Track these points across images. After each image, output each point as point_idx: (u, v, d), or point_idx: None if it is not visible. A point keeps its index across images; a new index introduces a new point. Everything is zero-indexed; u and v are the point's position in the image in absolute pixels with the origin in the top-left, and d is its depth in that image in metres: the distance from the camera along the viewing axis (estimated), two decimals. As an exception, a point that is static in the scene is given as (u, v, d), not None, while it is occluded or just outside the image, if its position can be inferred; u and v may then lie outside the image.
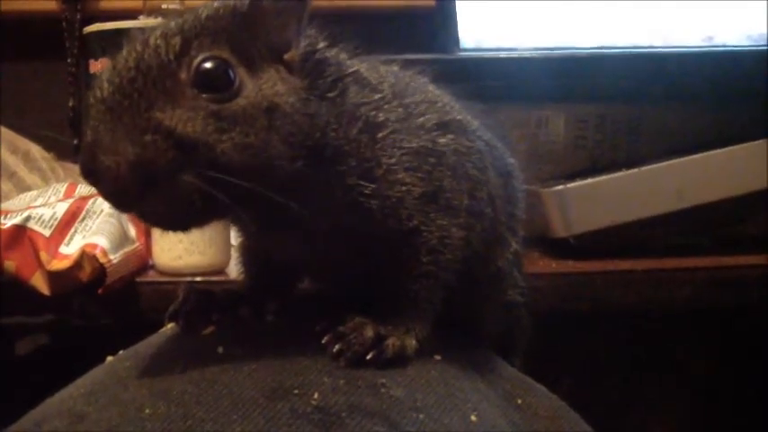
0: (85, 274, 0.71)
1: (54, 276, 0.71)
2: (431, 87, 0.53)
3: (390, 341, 0.45)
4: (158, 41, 0.41)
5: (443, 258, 0.47)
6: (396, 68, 0.52)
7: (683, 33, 1.04)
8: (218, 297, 0.50)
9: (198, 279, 0.76)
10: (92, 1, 1.16)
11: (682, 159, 0.81)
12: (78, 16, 1.13)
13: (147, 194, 0.40)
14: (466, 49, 1.04)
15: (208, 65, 0.41)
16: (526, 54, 0.92)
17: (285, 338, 0.46)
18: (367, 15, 1.19)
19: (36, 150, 1.00)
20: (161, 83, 0.40)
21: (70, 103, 1.13)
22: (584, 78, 0.87)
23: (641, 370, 0.90)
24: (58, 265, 0.71)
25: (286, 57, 0.44)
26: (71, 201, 0.77)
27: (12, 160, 0.95)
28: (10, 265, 0.72)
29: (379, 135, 0.46)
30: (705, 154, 0.81)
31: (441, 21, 1.06)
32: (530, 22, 1.05)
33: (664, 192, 0.81)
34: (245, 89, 0.42)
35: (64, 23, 1.13)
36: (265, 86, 0.42)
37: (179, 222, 0.43)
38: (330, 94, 0.45)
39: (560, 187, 0.81)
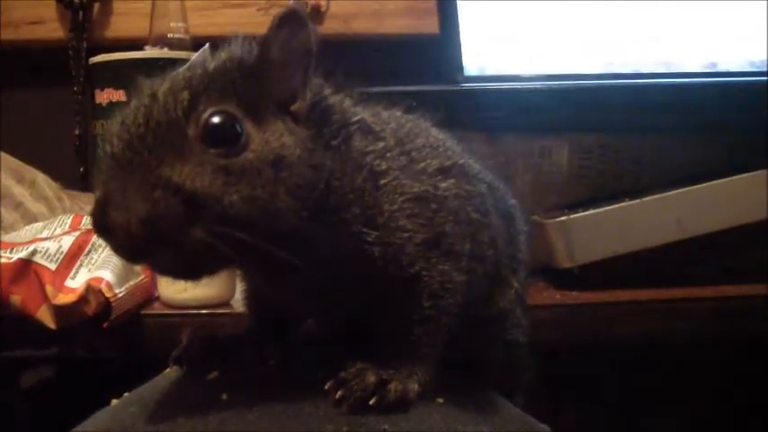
0: (91, 308, 0.72)
1: (60, 310, 0.72)
2: (433, 132, 0.53)
3: (392, 386, 0.46)
4: (167, 96, 0.42)
5: (445, 303, 0.48)
6: (398, 113, 0.53)
7: (685, 59, 1.05)
8: (222, 341, 0.51)
9: (203, 311, 0.76)
10: (98, 30, 1.17)
11: (684, 190, 0.81)
12: (84, 45, 1.14)
13: (157, 249, 0.40)
14: (470, 77, 1.05)
15: (215, 120, 0.42)
16: (529, 85, 0.93)
17: (288, 384, 0.47)
18: (372, 43, 1.20)
19: (42, 179, 1.01)
20: (170, 139, 0.41)
21: (76, 132, 1.14)
22: (587, 108, 0.87)
23: (646, 401, 0.90)
24: (63, 299, 0.72)
25: (293, 108, 0.45)
26: (77, 234, 0.77)
27: (18, 190, 0.95)
28: (15, 299, 0.73)
29: (382, 182, 0.46)
30: (706, 184, 0.81)
31: (445, 48, 1.07)
32: (533, 48, 1.06)
33: (666, 222, 0.81)
34: (252, 142, 0.42)
35: (70, 52, 1.14)
36: (272, 139, 0.43)
37: (188, 273, 0.43)
38: (335, 143, 0.45)
39: (564, 218, 0.81)
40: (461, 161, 0.52)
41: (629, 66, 1.05)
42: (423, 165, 0.49)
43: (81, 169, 1.14)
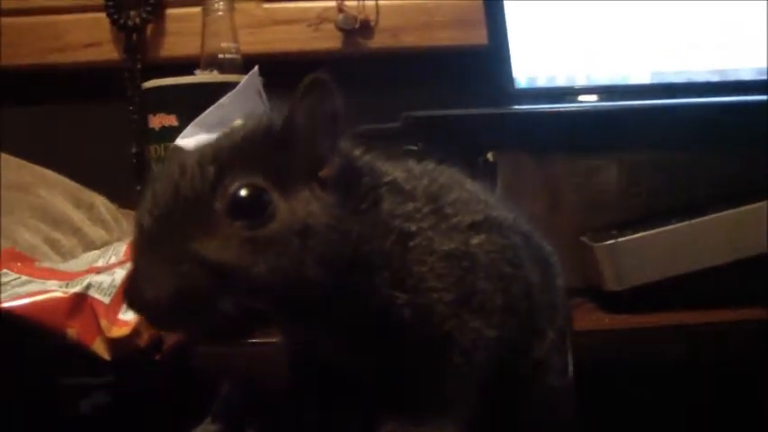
0: (143, 340, 0.74)
1: (114, 343, 0.74)
2: (467, 185, 0.53)
3: (425, 445, 0.46)
4: (194, 170, 0.43)
5: (477, 359, 0.48)
6: (431, 166, 0.53)
7: (739, 64, 1.03)
8: (260, 392, 0.52)
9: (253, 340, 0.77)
10: (151, 50, 1.19)
11: (736, 210, 0.80)
12: (139, 66, 1.17)
13: (187, 321, 0.41)
14: (520, 90, 1.05)
15: (242, 194, 0.43)
16: (575, 107, 0.92)
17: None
18: (422, 55, 1.20)
19: (100, 202, 1.04)
20: (197, 214, 0.42)
21: (133, 150, 1.17)
22: (636, 126, 0.86)
23: (698, 427, 0.88)
24: (117, 332, 0.74)
25: (320, 174, 0.45)
26: (129, 265, 0.79)
27: (76, 216, 0.98)
28: (72, 332, 0.75)
29: (411, 244, 0.46)
30: (760, 204, 0.80)
31: (494, 59, 1.06)
32: (583, 56, 1.05)
33: (718, 243, 0.80)
34: (279, 212, 0.43)
35: (126, 73, 1.17)
36: (298, 208, 0.44)
37: (222, 339, 0.45)
38: (363, 206, 0.46)
39: (612, 241, 0.80)
40: (495, 213, 0.52)
41: (681, 75, 1.03)
42: (454, 221, 0.49)
43: (138, 188, 1.17)
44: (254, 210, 0.43)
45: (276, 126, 0.45)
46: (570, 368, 0.61)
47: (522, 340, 0.52)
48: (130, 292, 0.42)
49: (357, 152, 0.48)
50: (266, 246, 0.42)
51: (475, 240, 0.49)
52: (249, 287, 0.41)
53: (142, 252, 0.43)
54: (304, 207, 0.44)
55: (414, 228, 0.47)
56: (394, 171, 0.50)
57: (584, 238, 0.84)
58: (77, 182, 1.03)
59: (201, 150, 0.45)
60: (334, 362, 0.52)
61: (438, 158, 0.85)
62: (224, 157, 0.44)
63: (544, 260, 0.56)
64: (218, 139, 0.46)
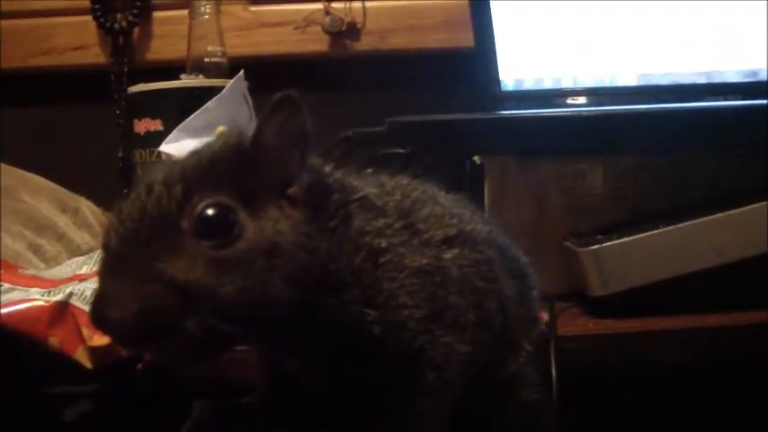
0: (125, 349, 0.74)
1: (96, 352, 0.73)
2: (441, 198, 0.53)
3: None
4: (161, 189, 0.43)
5: (449, 375, 0.48)
6: (405, 181, 0.53)
7: (725, 66, 1.03)
8: (233, 411, 0.52)
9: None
10: (138, 53, 1.19)
11: (721, 215, 0.80)
12: (125, 69, 1.16)
13: (153, 341, 0.41)
14: (506, 92, 1.05)
15: (208, 213, 0.42)
16: (561, 112, 0.92)
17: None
18: (409, 57, 1.19)
19: (86, 206, 1.03)
20: (163, 233, 0.42)
21: (119, 154, 1.16)
22: (622, 130, 0.85)
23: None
24: (99, 341, 0.73)
25: (289, 192, 0.45)
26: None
27: (61, 221, 0.97)
28: (53, 340, 0.75)
29: (381, 260, 0.46)
30: (744, 208, 0.80)
31: (480, 62, 1.06)
32: (569, 58, 1.05)
33: (703, 248, 0.80)
34: (246, 232, 0.43)
35: (112, 76, 1.16)
36: (266, 226, 0.43)
37: (188, 361, 0.44)
38: (333, 223, 0.45)
39: (596, 246, 0.80)
40: (469, 227, 0.52)
41: (667, 77, 1.03)
42: (426, 237, 0.49)
43: (125, 191, 1.16)
44: (221, 229, 0.42)
45: (245, 144, 0.45)
46: (553, 376, 0.61)
47: (497, 354, 0.51)
48: (96, 313, 0.42)
49: (327, 168, 0.48)
50: (233, 265, 0.42)
51: (447, 255, 0.49)
52: (215, 307, 0.41)
53: (108, 272, 0.43)
54: (272, 225, 0.43)
55: (384, 244, 0.47)
56: (365, 187, 0.49)
57: (568, 243, 0.84)
58: (63, 186, 1.02)
59: (169, 169, 0.45)
60: (304, 379, 0.51)
61: (423, 163, 0.85)
62: (191, 176, 0.44)
63: (520, 272, 0.55)
64: (186, 157, 0.46)
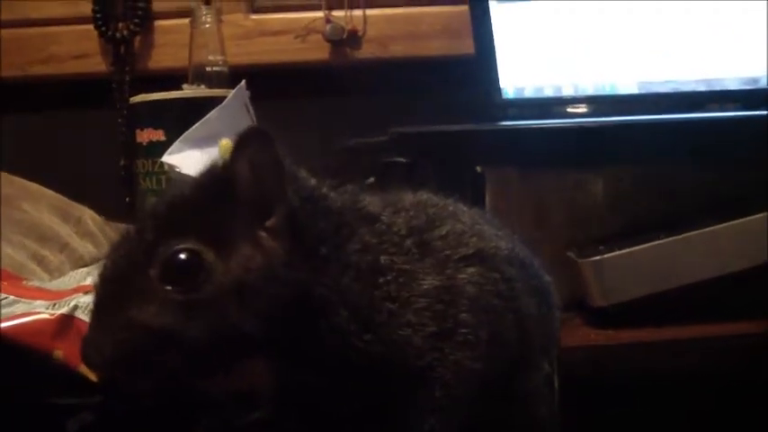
0: (130, 361, 0.74)
1: (100, 364, 0.74)
2: (462, 216, 0.53)
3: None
4: (132, 238, 0.45)
5: (458, 392, 0.47)
6: (425, 197, 0.52)
7: (725, 74, 1.03)
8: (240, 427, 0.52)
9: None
10: (140, 62, 1.19)
11: (722, 225, 0.80)
12: (127, 78, 1.16)
13: (132, 383, 0.43)
14: (507, 100, 1.05)
15: (173, 260, 0.43)
16: (561, 123, 0.92)
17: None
18: (409, 65, 1.20)
19: (89, 215, 1.03)
20: (134, 282, 0.44)
21: (121, 163, 1.16)
22: (622, 141, 0.86)
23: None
24: (103, 353, 0.74)
25: (268, 224, 0.45)
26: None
27: (63, 230, 0.97)
28: (58, 353, 0.75)
29: (381, 280, 0.46)
30: (745, 219, 0.80)
31: (481, 69, 1.07)
32: (570, 65, 1.05)
33: (704, 258, 0.80)
34: (214, 274, 0.43)
35: (114, 85, 1.17)
36: (235, 266, 0.44)
37: (171, 398, 0.46)
38: (321, 249, 0.45)
39: (598, 257, 0.80)
40: (490, 245, 0.51)
41: (668, 84, 1.04)
42: (443, 255, 0.48)
43: (127, 199, 1.16)
44: (187, 274, 0.43)
45: (216, 183, 0.45)
46: (556, 386, 0.61)
47: (512, 372, 0.51)
48: (83, 355, 0.44)
49: (323, 190, 0.47)
50: (202, 308, 0.43)
51: (463, 274, 0.48)
52: (186, 351, 0.42)
53: (92, 318, 0.45)
54: (243, 263, 0.44)
55: (386, 262, 0.46)
56: (369, 205, 0.49)
57: (570, 254, 0.84)
58: (64, 195, 1.02)
59: (144, 216, 0.46)
60: (312, 393, 0.52)
61: (425, 172, 0.85)
62: (161, 222, 0.45)
63: (542, 290, 0.55)
64: (160, 200, 0.47)
